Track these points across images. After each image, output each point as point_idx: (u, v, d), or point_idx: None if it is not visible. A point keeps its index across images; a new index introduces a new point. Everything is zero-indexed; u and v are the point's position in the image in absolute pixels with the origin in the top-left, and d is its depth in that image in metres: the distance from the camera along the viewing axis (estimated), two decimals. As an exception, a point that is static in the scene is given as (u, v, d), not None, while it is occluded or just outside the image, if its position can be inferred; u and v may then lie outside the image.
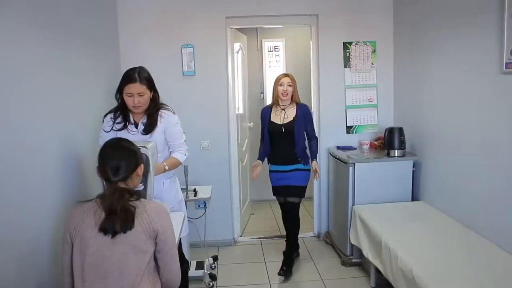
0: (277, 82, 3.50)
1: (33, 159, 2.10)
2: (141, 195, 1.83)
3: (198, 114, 4.04)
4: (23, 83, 2.03)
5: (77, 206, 1.79)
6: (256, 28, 5.38)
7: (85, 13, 2.99)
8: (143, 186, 2.10)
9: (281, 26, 5.12)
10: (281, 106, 3.53)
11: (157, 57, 3.89)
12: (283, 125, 3.47)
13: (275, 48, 5.57)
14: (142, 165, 1.89)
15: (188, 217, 2.96)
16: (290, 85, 3.45)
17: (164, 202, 2.48)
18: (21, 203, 1.97)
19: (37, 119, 2.17)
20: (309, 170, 3.55)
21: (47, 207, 2.20)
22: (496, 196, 2.69)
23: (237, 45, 4.42)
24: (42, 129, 2.22)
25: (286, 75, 3.53)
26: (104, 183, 1.83)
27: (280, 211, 3.78)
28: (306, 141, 3.59)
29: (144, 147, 2.19)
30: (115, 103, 2.91)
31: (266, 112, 3.60)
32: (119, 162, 1.78)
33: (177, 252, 1.83)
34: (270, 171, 3.64)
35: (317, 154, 3.61)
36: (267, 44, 5.55)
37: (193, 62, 4.01)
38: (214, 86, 4.09)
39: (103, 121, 2.65)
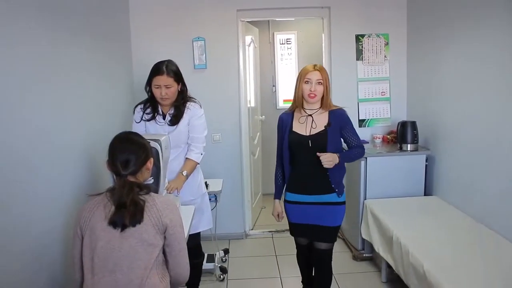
0: (302, 77, 2.50)
1: (48, 154, 2.14)
2: (150, 188, 1.83)
3: (210, 107, 3.97)
4: (29, 83, 2.04)
5: (88, 200, 1.81)
6: (268, 21, 5.35)
7: (96, 9, 3.00)
8: (153, 180, 2.11)
9: (292, 19, 5.07)
10: (306, 111, 2.56)
11: (168, 51, 3.85)
12: (310, 137, 2.50)
13: (287, 41, 5.53)
14: (151, 159, 1.89)
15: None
16: (320, 83, 2.46)
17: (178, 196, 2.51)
18: (35, 197, 2.01)
19: (51, 115, 2.20)
20: (344, 204, 2.60)
21: (60, 200, 2.23)
22: (510, 191, 2.64)
23: (248, 38, 4.39)
24: (56, 125, 2.25)
25: (315, 67, 2.50)
26: (114, 177, 1.85)
27: None
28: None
29: (156, 140, 2.21)
30: (127, 98, 2.93)
31: (285, 119, 2.62)
32: (129, 155, 1.78)
33: (185, 246, 1.84)
34: (286, 201, 2.65)
35: (345, 158, 2.56)
36: (279, 37, 5.51)
37: (204, 55, 4.00)
38: (225, 79, 4.08)
39: (133, 112, 2.74)
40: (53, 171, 2.18)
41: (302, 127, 2.55)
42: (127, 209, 1.68)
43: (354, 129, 2.61)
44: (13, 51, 1.89)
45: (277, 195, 2.73)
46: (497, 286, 2.15)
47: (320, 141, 2.49)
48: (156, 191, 2.07)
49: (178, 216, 1.82)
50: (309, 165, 2.51)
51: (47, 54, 2.20)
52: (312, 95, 2.47)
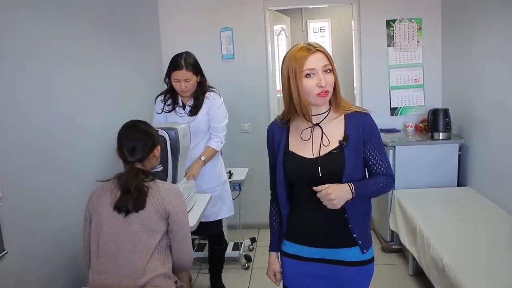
0: (299, 70, 1.48)
1: (75, 144, 2.30)
2: (156, 176, 1.88)
3: (238, 97, 4.04)
4: (65, 71, 2.19)
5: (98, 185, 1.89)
6: (301, 9, 5.27)
7: (125, 0, 3.10)
8: (162, 167, 2.15)
9: (325, 6, 4.97)
10: (311, 119, 1.58)
11: (196, 41, 3.93)
12: (320, 160, 1.54)
13: (320, 29, 5.43)
14: (158, 147, 1.93)
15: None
16: (328, 70, 1.50)
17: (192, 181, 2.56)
18: (61, 181, 2.16)
19: (80, 105, 2.37)
20: (372, 261, 1.64)
21: (83, 185, 2.33)
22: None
23: (278, 27, 4.36)
24: (87, 111, 2.43)
25: (310, 47, 1.50)
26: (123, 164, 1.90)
27: None
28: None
29: (173, 128, 2.25)
30: (155, 87, 3.00)
31: (276, 133, 1.66)
32: (135, 143, 1.83)
33: (189, 233, 1.87)
34: (283, 253, 1.71)
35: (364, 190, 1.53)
36: (312, 25, 5.43)
37: (232, 46, 4.01)
38: (253, 69, 4.07)
39: (154, 103, 2.82)
40: (76, 159, 2.31)
41: (305, 146, 1.59)
42: (131, 194, 1.73)
43: (383, 146, 1.60)
44: (52, 44, 2.09)
45: (273, 246, 1.76)
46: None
47: (335, 167, 1.52)
48: (164, 179, 2.11)
49: (182, 202, 1.85)
50: (318, 203, 1.50)
51: (76, 47, 2.34)
52: (323, 93, 1.50)
